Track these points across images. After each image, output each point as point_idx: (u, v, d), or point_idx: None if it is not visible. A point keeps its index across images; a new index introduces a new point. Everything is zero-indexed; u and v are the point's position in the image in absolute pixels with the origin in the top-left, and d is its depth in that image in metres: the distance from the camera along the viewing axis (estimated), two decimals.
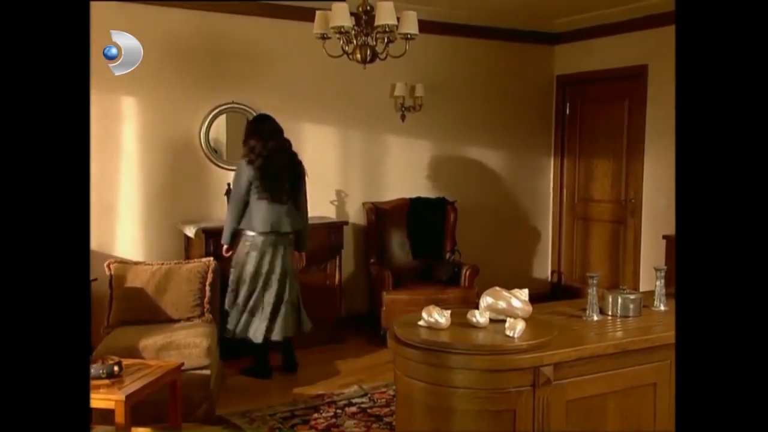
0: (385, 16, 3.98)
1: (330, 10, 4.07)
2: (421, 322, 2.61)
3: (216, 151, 5.41)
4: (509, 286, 2.75)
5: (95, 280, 3.96)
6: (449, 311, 2.63)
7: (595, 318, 2.90)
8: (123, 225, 5.14)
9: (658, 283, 3.06)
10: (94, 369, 3.24)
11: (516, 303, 2.64)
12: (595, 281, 2.91)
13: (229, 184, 5.21)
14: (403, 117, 6.01)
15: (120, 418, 3.09)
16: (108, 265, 4.28)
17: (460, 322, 2.62)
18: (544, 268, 7.06)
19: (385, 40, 4.17)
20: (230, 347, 4.69)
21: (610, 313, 2.95)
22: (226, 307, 4.56)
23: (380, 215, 5.84)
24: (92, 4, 1.64)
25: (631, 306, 2.93)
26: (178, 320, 4.23)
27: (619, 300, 2.94)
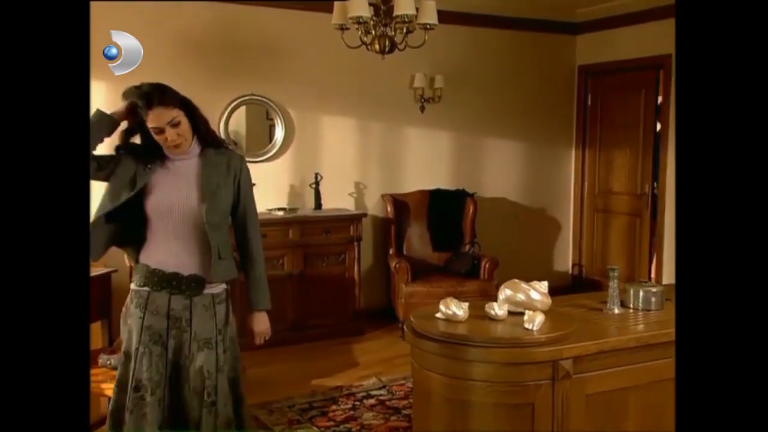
0: (404, 6, 3.95)
1: (349, 0, 4.05)
2: (438, 315, 2.59)
3: (235, 143, 5.41)
4: (529, 279, 2.72)
5: (116, 271, 3.99)
6: (467, 303, 2.61)
7: (616, 311, 2.86)
8: None
9: None
10: (115, 359, 3.26)
11: (535, 295, 2.61)
12: (616, 274, 2.87)
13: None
14: (422, 108, 5.97)
15: None
16: None
17: (479, 314, 2.60)
18: (564, 260, 6.99)
19: (404, 30, 4.15)
20: None
21: (631, 306, 2.91)
22: None
23: (399, 207, 5.82)
24: (92, 4, 1.63)
25: (653, 299, 2.88)
26: None
27: (641, 293, 2.90)
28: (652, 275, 6.05)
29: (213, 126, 5.63)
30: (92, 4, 1.66)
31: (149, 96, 2.40)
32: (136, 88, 2.43)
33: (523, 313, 2.52)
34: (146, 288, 2.49)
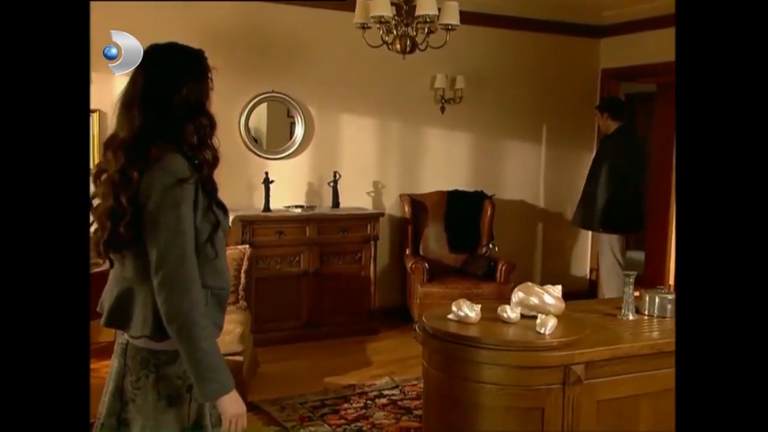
0: (426, 6, 3.94)
1: None
2: (450, 316, 2.58)
3: (256, 140, 5.45)
4: (546, 283, 2.71)
5: None
6: (480, 305, 2.60)
7: (631, 317, 2.83)
8: None
9: None
10: None
11: (548, 299, 2.59)
12: (631, 280, 2.84)
13: (267, 173, 5.23)
14: (442, 109, 5.96)
15: None
16: None
17: (491, 316, 2.59)
18: (582, 265, 6.94)
19: (426, 30, 4.13)
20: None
21: (646, 312, 2.88)
22: None
23: (417, 207, 5.81)
24: (93, 4, 1.63)
25: (669, 306, 2.85)
26: None
27: (656, 300, 2.87)
28: (668, 282, 5.99)
29: (234, 122, 5.72)
30: (105, 5, 1.66)
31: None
32: (198, 54, 1.99)
33: (535, 317, 2.51)
34: None
